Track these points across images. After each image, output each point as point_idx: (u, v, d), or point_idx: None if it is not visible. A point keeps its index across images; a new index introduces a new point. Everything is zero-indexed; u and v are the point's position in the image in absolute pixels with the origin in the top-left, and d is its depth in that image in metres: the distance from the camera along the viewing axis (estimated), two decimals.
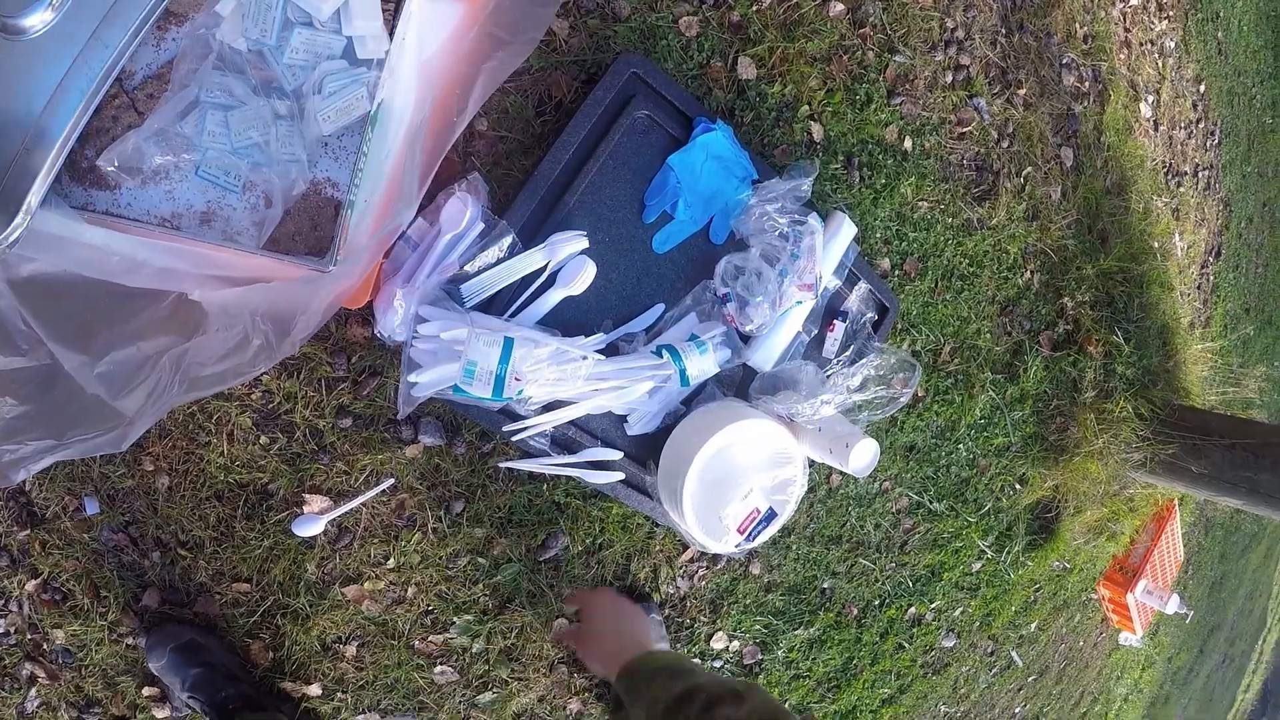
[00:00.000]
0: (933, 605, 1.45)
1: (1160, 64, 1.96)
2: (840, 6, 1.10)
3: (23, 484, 0.88)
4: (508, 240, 0.83)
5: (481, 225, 0.83)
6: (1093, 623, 2.15)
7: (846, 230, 0.99)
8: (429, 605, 0.98)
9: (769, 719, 0.57)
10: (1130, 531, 1.93)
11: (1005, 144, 1.32)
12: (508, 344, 0.79)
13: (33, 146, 0.62)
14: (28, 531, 0.88)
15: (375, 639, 0.98)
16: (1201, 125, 2.19)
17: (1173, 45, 2.03)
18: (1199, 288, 2.14)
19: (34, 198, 0.62)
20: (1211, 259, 2.22)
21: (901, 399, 0.99)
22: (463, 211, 0.82)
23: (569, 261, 0.85)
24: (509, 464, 0.92)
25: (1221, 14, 2.44)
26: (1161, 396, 1.65)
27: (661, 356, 0.87)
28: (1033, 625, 1.76)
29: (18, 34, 0.60)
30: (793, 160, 1.03)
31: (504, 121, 0.88)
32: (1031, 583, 1.67)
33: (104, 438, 0.76)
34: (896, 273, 1.17)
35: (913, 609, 1.42)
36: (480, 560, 0.97)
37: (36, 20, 0.60)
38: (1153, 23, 1.95)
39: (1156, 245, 1.74)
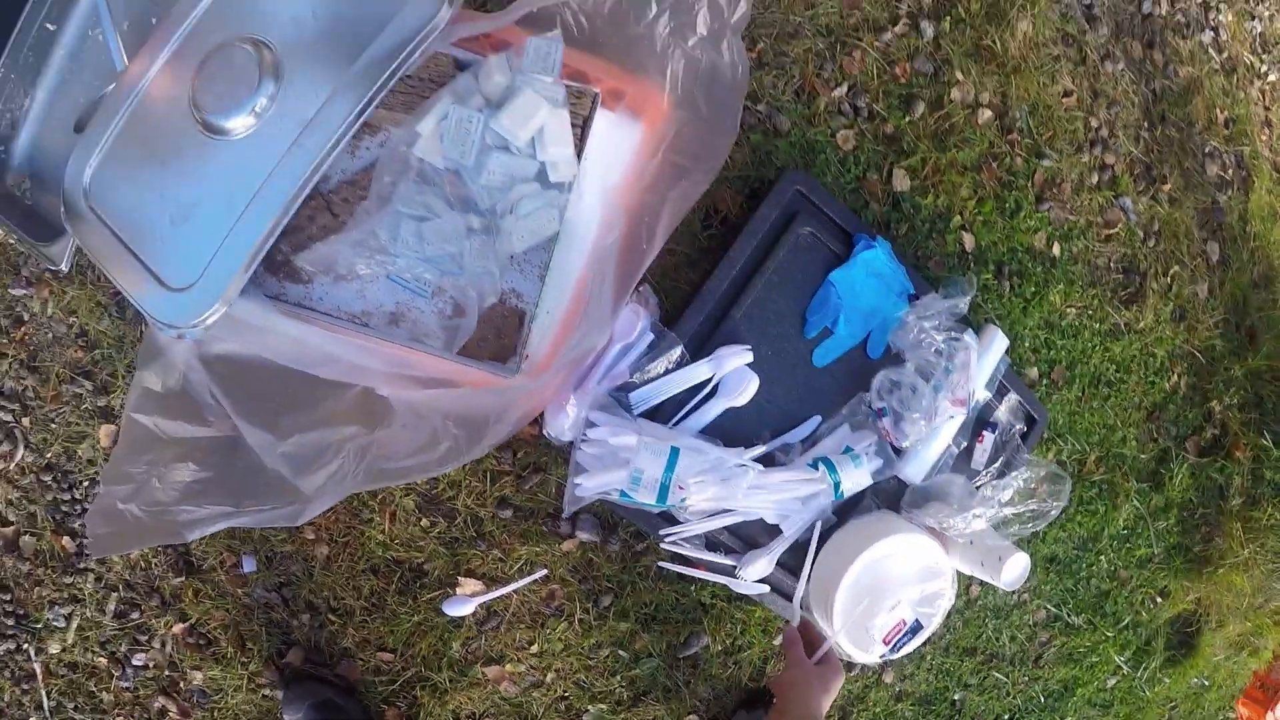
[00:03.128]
0: None
1: None
2: (989, 114, 1.16)
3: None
4: (676, 352, 0.90)
5: (651, 336, 0.91)
6: None
7: (999, 344, 1.02)
8: (565, 691, 1.04)
9: None
10: (1274, 646, 1.82)
11: (1151, 243, 1.33)
12: (674, 453, 0.85)
13: (234, 240, 0.70)
14: (183, 578, 0.98)
15: (508, 718, 1.05)
16: None
17: None
18: None
19: (234, 287, 0.69)
20: None
21: (1052, 512, 1.00)
22: (634, 323, 0.90)
23: (733, 373, 0.92)
24: (668, 565, 0.98)
25: None
26: None
27: (817, 469, 0.92)
28: None
29: (222, 134, 0.69)
30: (946, 271, 1.08)
31: (673, 235, 0.96)
32: (1167, 700, 1.60)
33: (280, 511, 0.84)
34: (1044, 381, 1.19)
35: None
36: (621, 653, 1.03)
37: (239, 124, 0.69)
38: None
39: None
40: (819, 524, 0.95)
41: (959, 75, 1.15)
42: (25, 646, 0.96)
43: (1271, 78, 1.82)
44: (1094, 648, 1.38)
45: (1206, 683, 1.71)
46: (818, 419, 0.96)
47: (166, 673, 0.98)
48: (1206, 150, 1.52)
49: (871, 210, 1.05)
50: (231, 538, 0.99)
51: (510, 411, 0.82)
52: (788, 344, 0.95)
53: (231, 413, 0.84)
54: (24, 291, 0.91)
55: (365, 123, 0.71)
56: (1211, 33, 1.63)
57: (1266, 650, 1.81)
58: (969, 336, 0.96)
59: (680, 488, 0.86)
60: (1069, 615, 1.31)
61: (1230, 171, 1.56)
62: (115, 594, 0.99)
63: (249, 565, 0.99)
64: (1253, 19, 1.80)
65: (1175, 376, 1.37)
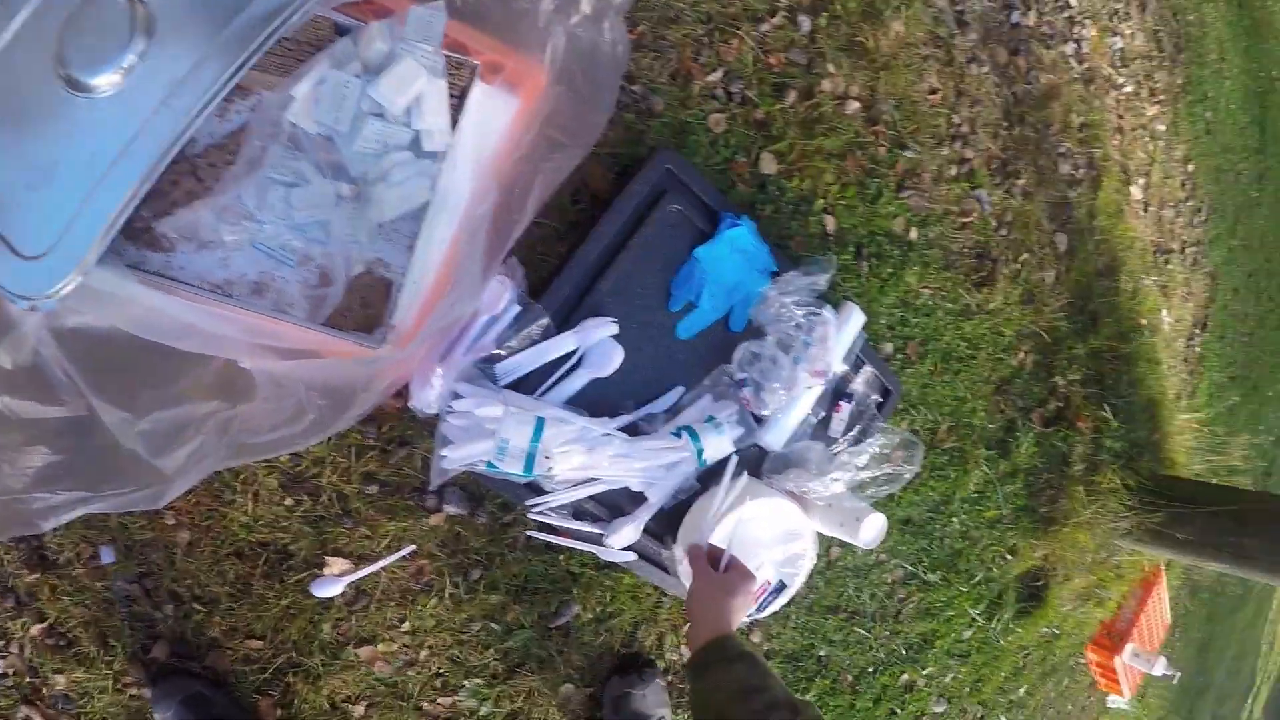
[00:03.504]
0: (924, 672, 1.54)
1: (1151, 147, 2.14)
2: (857, 105, 1.23)
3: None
4: (542, 323, 0.92)
5: (518, 308, 0.92)
6: (1080, 687, 2.25)
7: (855, 320, 1.10)
8: (440, 668, 1.05)
9: None
10: (1118, 597, 2.05)
11: (1004, 232, 1.45)
12: (539, 423, 0.87)
13: (94, 205, 0.66)
14: (37, 575, 0.91)
15: (385, 700, 1.04)
16: (1189, 203, 2.38)
17: (1163, 128, 2.21)
18: (1185, 360, 2.31)
19: (91, 255, 0.66)
20: (1198, 331, 2.39)
21: (906, 475, 1.09)
22: (500, 294, 0.91)
23: (599, 345, 0.94)
24: (536, 534, 1.00)
25: (1210, 94, 2.65)
26: (1148, 468, 1.78)
27: (680, 437, 0.96)
28: (1021, 690, 1.85)
29: (86, 91, 0.65)
30: (808, 251, 1.15)
31: (542, 209, 0.97)
32: (1021, 649, 1.78)
33: (140, 494, 0.80)
34: (899, 356, 1.28)
35: (905, 676, 1.50)
36: (494, 626, 1.05)
37: (105, 82, 0.65)
38: (1144, 108, 2.14)
39: (1144, 322, 1.89)
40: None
41: (831, 68, 1.21)
42: None
43: (1128, 89, 2.02)
44: (949, 602, 1.51)
45: (1056, 631, 1.90)
46: (681, 389, 1.00)
47: (27, 679, 0.91)
48: (1060, 151, 1.67)
49: (738, 191, 1.10)
50: (88, 527, 0.93)
51: (376, 381, 0.81)
52: (652, 316, 0.98)
53: (85, 390, 0.79)
54: None
55: (238, 85, 0.67)
56: (1074, 45, 1.79)
57: (1111, 601, 2.04)
58: (827, 312, 1.03)
59: (546, 457, 0.89)
60: (924, 573, 1.42)
61: (1081, 171, 1.72)
62: None
63: (107, 556, 0.94)
64: (1115, 35, 1.99)
65: (1022, 354, 1.51)
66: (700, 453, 0.96)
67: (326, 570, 0.99)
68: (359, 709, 1.04)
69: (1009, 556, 1.59)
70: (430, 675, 1.05)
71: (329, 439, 0.96)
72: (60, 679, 0.92)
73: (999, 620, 1.63)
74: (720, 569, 0.87)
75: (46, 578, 0.92)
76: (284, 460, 0.97)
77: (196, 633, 0.97)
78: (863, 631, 1.38)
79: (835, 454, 1.08)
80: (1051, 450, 1.59)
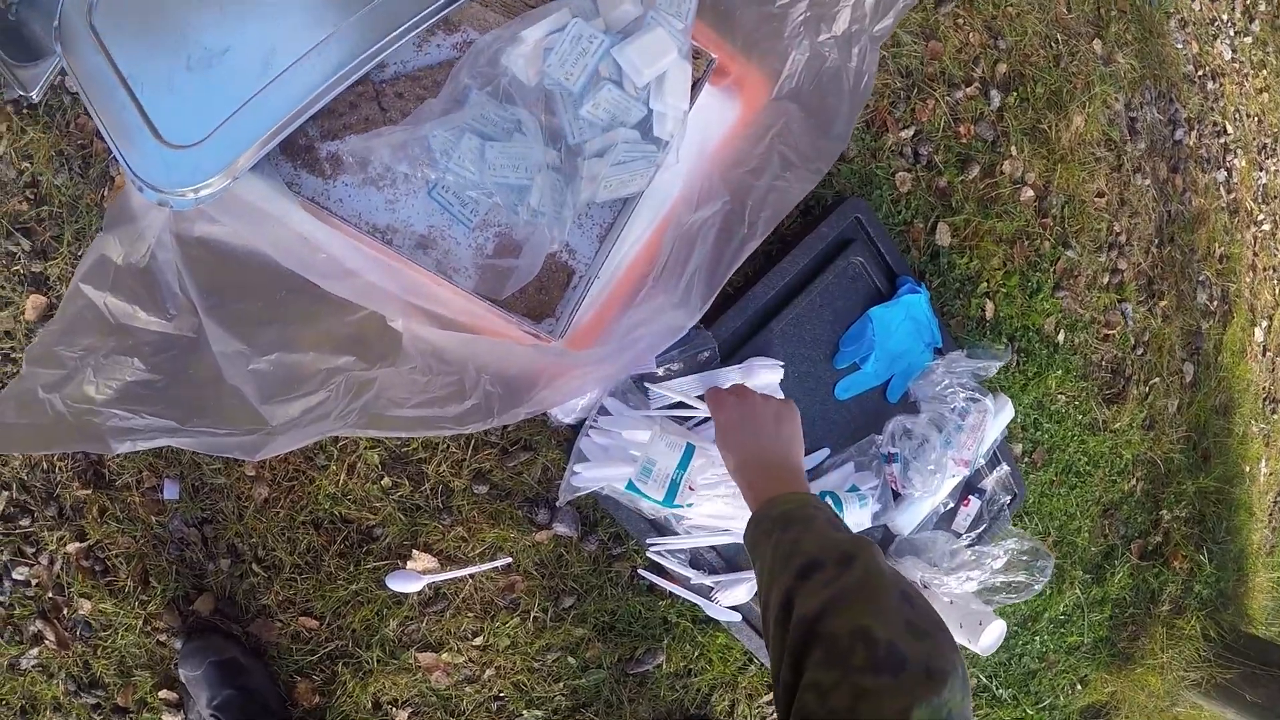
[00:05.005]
0: None
1: (1278, 291, 2.15)
2: (1031, 193, 1.23)
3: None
4: (708, 352, 0.90)
5: (685, 331, 0.90)
6: None
7: (1006, 414, 1.08)
8: (502, 691, 1.00)
9: (865, 587, 0.50)
10: None
11: (1140, 351, 1.44)
12: (688, 450, 0.84)
13: (259, 105, 0.60)
14: (89, 491, 0.88)
15: (433, 712, 0.99)
16: None
17: None
18: (1271, 515, 2.28)
19: (245, 160, 0.60)
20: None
21: (1035, 587, 1.06)
22: (671, 316, 0.89)
23: (762, 387, 0.92)
24: (646, 574, 0.96)
25: None
26: (1230, 621, 1.74)
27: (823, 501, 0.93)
28: None
29: None
30: (965, 334, 1.13)
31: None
32: None
33: (235, 439, 0.75)
34: (1026, 460, 1.26)
35: None
36: (570, 660, 1.00)
37: None
38: (1278, 249, 2.15)
39: (1247, 469, 1.87)
40: None
41: (1013, 150, 1.22)
42: None
43: (1265, 227, 2.03)
44: None
45: None
46: (826, 451, 0.97)
47: (50, 595, 0.88)
48: (1200, 278, 1.67)
49: (911, 257, 1.08)
50: (157, 456, 0.89)
51: (563, 380, 0.76)
52: (814, 369, 0.96)
53: (200, 308, 0.73)
54: None
55: (446, 16, 0.63)
56: (1225, 173, 1.81)
57: None
58: (988, 401, 1.01)
59: (690, 488, 0.85)
60: (997, 688, 1.38)
61: (1216, 303, 1.72)
62: (5, 493, 0.88)
63: (171, 492, 0.90)
64: (1260, 170, 2.01)
65: (1134, 480, 1.48)
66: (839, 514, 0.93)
67: (409, 564, 0.95)
68: (403, 714, 0.99)
69: (1079, 686, 1.55)
70: (489, 697, 1.00)
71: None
72: (86, 604, 0.89)
73: None
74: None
75: (98, 497, 0.88)
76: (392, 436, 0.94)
77: (249, 596, 0.93)
78: None
79: (957, 548, 1.05)
80: (1143, 585, 1.56)
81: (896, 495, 1.00)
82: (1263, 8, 2.26)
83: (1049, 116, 1.27)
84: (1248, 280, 1.87)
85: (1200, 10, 1.87)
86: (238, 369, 0.75)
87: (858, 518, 0.94)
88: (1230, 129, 1.86)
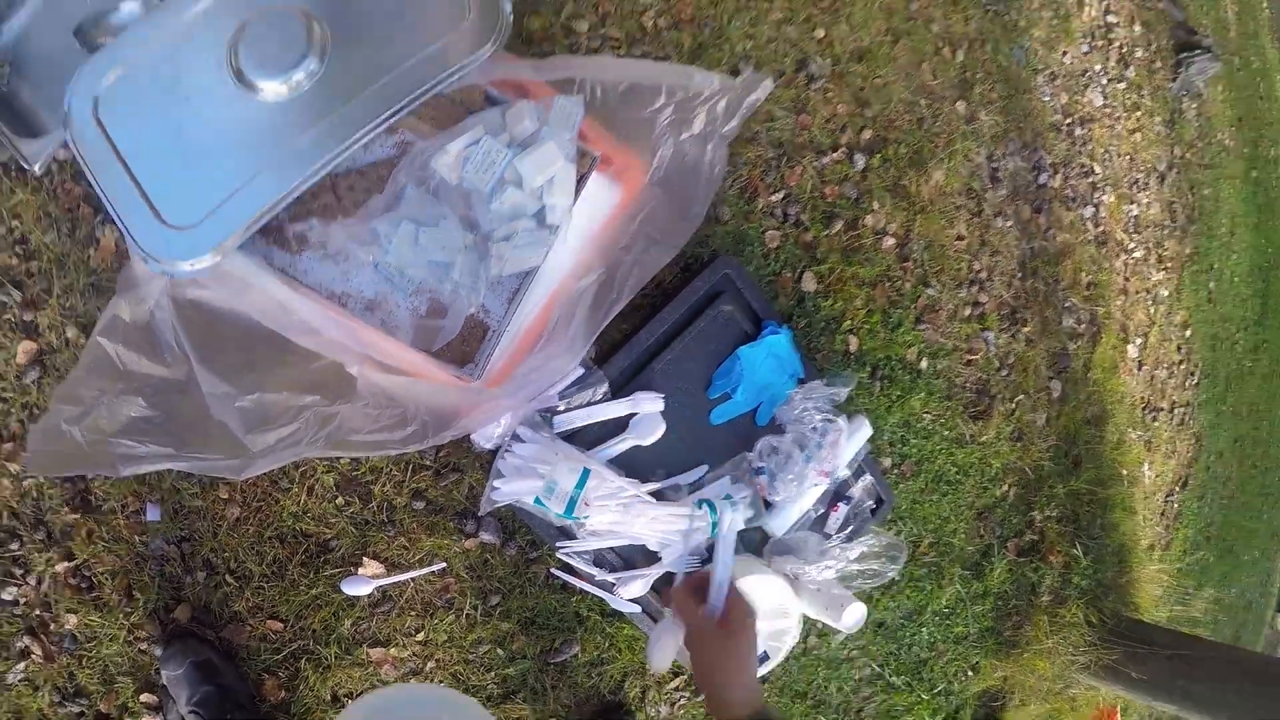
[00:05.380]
0: None
1: (1152, 310, 2.41)
2: (892, 241, 1.47)
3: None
4: (601, 389, 1.11)
5: (581, 371, 1.12)
6: None
7: (864, 432, 1.30)
8: (441, 680, 1.19)
9: None
10: None
11: (1004, 373, 1.68)
12: (584, 473, 1.05)
13: (243, 197, 0.78)
14: (77, 516, 0.99)
15: None
16: (1183, 366, 2.64)
17: (1166, 294, 2.49)
18: (1163, 514, 2.52)
19: (232, 243, 0.78)
20: (1178, 488, 2.62)
21: (889, 574, 1.27)
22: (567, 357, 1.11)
23: (645, 416, 1.14)
24: (559, 573, 1.17)
25: (1216, 265, 2.94)
26: (1112, 608, 1.96)
27: (700, 509, 1.14)
28: None
29: (253, 91, 0.80)
30: (832, 366, 1.36)
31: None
32: None
33: (225, 463, 0.93)
34: (895, 471, 1.48)
35: None
36: (499, 651, 1.19)
37: (271, 89, 0.79)
38: (1150, 273, 2.42)
39: (1125, 472, 2.11)
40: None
41: (876, 205, 1.46)
42: None
43: (1137, 254, 2.30)
44: (909, 709, 1.66)
45: None
46: (705, 468, 1.19)
47: (37, 612, 0.99)
48: (1066, 305, 1.92)
49: (780, 302, 1.31)
50: (140, 483, 1.05)
51: (478, 411, 0.97)
52: (692, 400, 1.18)
53: (193, 358, 0.91)
54: None
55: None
56: (1093, 209, 2.08)
57: None
58: (842, 421, 1.23)
59: (585, 504, 1.06)
60: (890, 675, 1.58)
61: (1083, 326, 1.97)
62: None
63: (153, 514, 1.04)
64: (1132, 203, 2.29)
65: (1006, 486, 1.71)
66: (715, 525, 1.14)
67: (360, 570, 1.14)
68: None
69: (970, 673, 1.75)
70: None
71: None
72: (72, 619, 1.00)
73: None
74: (712, 606, 0.77)
75: (85, 520, 1.00)
76: (344, 463, 1.13)
77: (222, 604, 1.08)
78: None
79: (828, 547, 1.27)
80: (1022, 579, 1.78)
81: (768, 504, 1.21)
82: (1139, 54, 2.56)
83: (910, 174, 1.51)
84: (1119, 303, 2.13)
85: (1071, 64, 2.14)
86: (224, 406, 0.94)
87: (731, 520, 1.15)
88: (1099, 169, 2.12)
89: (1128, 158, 2.32)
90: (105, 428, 0.93)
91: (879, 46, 1.50)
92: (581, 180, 1.01)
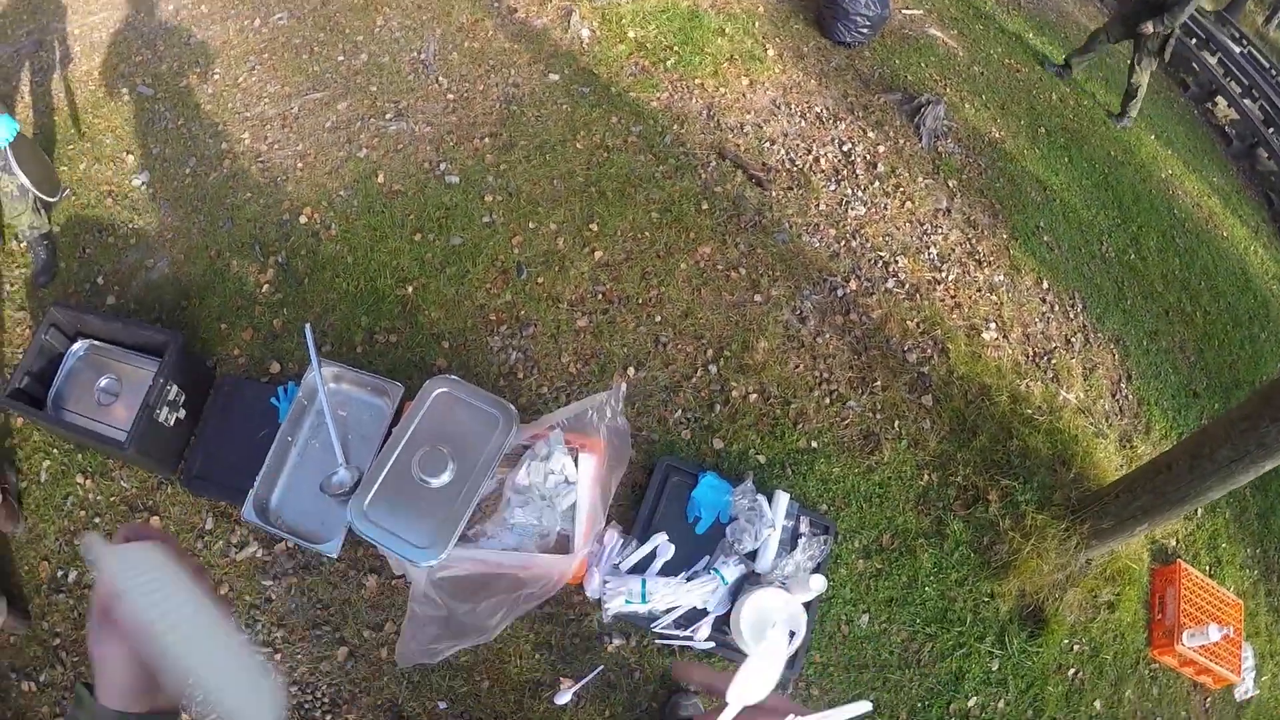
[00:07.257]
0: (970, 701, 2.44)
1: (993, 297, 3.34)
2: (755, 395, 2.73)
3: (395, 696, 2.33)
4: (634, 543, 2.37)
5: (622, 539, 2.39)
6: (1179, 692, 2.72)
7: (782, 499, 2.43)
8: None
9: None
10: (1130, 598, 2.69)
11: (876, 415, 2.78)
12: (644, 583, 2.27)
13: (445, 525, 2.16)
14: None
15: None
16: (1058, 307, 3.43)
17: (1002, 278, 3.44)
18: (1121, 410, 3.21)
19: (449, 549, 2.15)
20: (1124, 384, 3.30)
21: (825, 550, 2.32)
22: (614, 535, 2.39)
23: (662, 545, 2.36)
24: (660, 640, 2.32)
25: (1043, 223, 3.67)
26: (1062, 497, 2.67)
27: (713, 575, 2.30)
28: (1097, 704, 2.56)
29: (429, 481, 2.15)
30: (752, 475, 2.57)
31: (617, 494, 2.49)
32: (1059, 667, 2.57)
33: (480, 639, 2.26)
34: (832, 508, 2.56)
35: (953, 704, 2.42)
36: (653, 704, 2.30)
37: (436, 481, 2.13)
38: (976, 276, 3.38)
39: (1030, 411, 2.96)
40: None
41: (734, 383, 2.76)
42: None
43: (952, 275, 3.35)
44: (958, 643, 2.47)
45: (1087, 646, 2.62)
46: (707, 557, 2.37)
47: None
48: (905, 348, 3.02)
49: (707, 460, 2.57)
50: (430, 689, 2.36)
51: (565, 573, 2.28)
52: (680, 525, 2.40)
53: (447, 601, 2.31)
54: (270, 582, 2.43)
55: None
56: (894, 279, 3.25)
57: (1127, 602, 2.70)
58: (762, 499, 2.40)
59: (652, 593, 2.26)
60: (924, 627, 2.45)
61: (929, 351, 3.04)
62: None
63: (442, 705, 2.36)
64: (928, 248, 3.39)
65: (927, 476, 2.69)
66: (724, 580, 2.29)
67: (562, 686, 2.32)
68: None
69: (990, 599, 2.56)
70: None
71: (550, 616, 2.38)
72: None
73: (1014, 647, 2.52)
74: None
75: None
76: (529, 634, 2.39)
77: None
78: (896, 677, 2.40)
79: (786, 561, 2.35)
80: (980, 521, 2.65)
81: (751, 557, 2.36)
82: (881, 149, 3.67)
83: (745, 354, 2.82)
84: (954, 317, 3.17)
85: (826, 207, 3.36)
86: (471, 616, 2.30)
87: (732, 573, 2.29)
88: (885, 252, 3.27)
89: (907, 223, 3.41)
90: (424, 639, 2.29)
91: (693, 300, 2.91)
92: (575, 458, 2.43)
